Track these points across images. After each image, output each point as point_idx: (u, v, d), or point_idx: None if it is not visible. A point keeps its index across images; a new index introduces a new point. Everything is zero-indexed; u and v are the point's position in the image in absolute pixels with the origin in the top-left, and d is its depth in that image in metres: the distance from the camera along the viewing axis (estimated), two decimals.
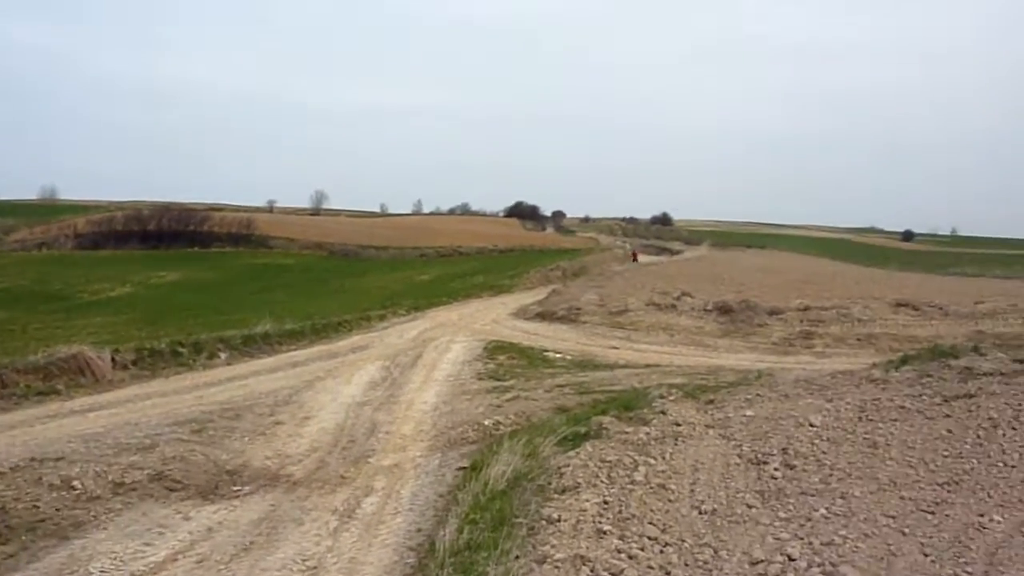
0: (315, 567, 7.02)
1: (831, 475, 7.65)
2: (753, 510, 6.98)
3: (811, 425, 9.18)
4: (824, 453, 8.26)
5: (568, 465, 8.22)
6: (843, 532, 6.25)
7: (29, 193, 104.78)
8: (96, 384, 14.82)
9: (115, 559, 7.14)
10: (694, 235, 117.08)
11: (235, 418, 12.43)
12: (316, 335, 22.08)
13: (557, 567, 5.60)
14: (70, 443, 10.37)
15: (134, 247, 58.32)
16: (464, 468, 9.71)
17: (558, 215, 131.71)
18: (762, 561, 5.90)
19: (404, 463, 10.49)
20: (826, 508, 6.83)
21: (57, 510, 8.22)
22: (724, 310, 26.25)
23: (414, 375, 16.73)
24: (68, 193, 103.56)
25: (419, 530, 7.89)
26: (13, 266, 43.72)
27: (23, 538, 7.46)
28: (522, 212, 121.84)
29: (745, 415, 10.18)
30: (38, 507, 8.20)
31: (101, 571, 6.85)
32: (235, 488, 9.58)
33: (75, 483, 8.90)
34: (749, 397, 11.30)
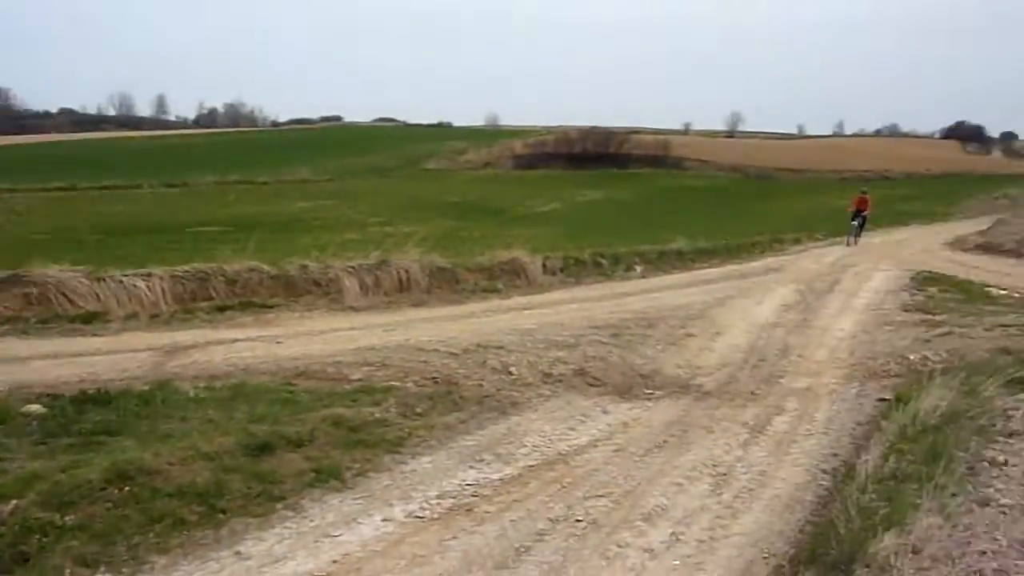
0: (724, 473, 7.09)
1: None
2: None
3: None
4: None
5: (1017, 408, 7.22)
6: None
7: (477, 120, 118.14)
8: (529, 286, 16.41)
9: (544, 437, 7.91)
10: None
11: (648, 327, 12.89)
12: (728, 255, 22.00)
13: (1004, 512, 4.98)
14: (508, 335, 11.63)
15: (562, 167, 62.82)
16: (886, 400, 9.03)
17: (1008, 137, 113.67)
18: None
19: (817, 388, 10.06)
20: None
21: (498, 390, 9.31)
22: None
23: (830, 301, 15.85)
24: (508, 119, 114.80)
25: (834, 454, 7.54)
26: (464, 183, 49.93)
27: (472, 408, 8.61)
28: (963, 133, 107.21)
29: None
30: (483, 385, 9.37)
31: (534, 445, 7.64)
32: (648, 391, 10.01)
33: (512, 369, 10.00)
34: None
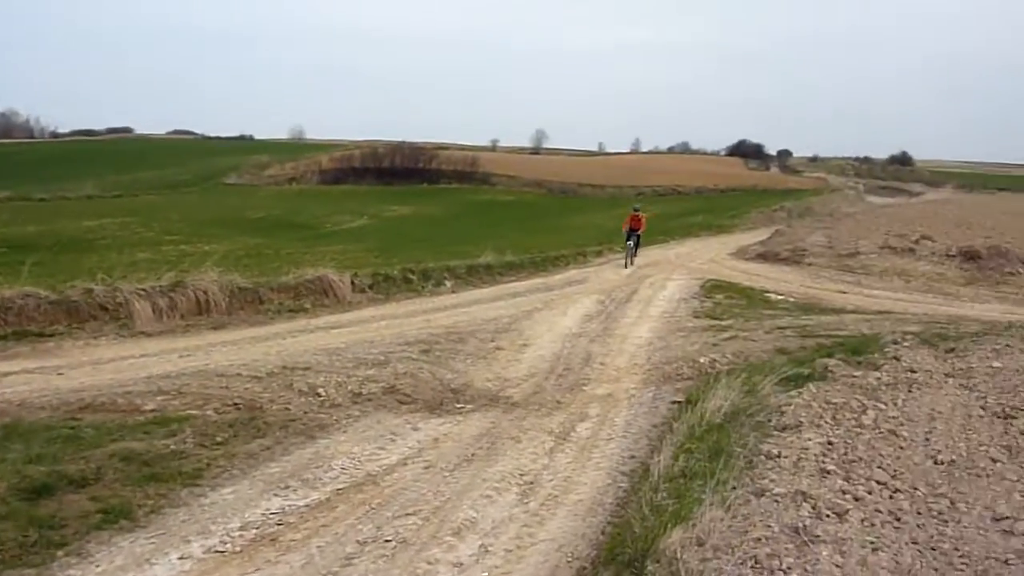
0: (531, 482, 7.29)
1: None
2: (998, 465, 6.43)
3: None
4: None
5: (790, 404, 7.93)
6: None
7: (280, 133, 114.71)
8: (337, 304, 16.10)
9: (353, 459, 7.80)
10: (937, 176, 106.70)
11: (459, 341, 13.05)
12: (534, 268, 22.63)
13: (777, 501, 5.45)
14: (316, 355, 11.38)
15: (370, 182, 62.37)
16: (678, 402, 9.64)
17: (784, 154, 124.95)
18: (1007, 518, 5.43)
19: (618, 393, 10.58)
20: None
21: (305, 413, 9.06)
22: (970, 256, 23.95)
23: (629, 310, 16.72)
24: (313, 133, 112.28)
25: (632, 456, 7.96)
26: (268, 198, 48.29)
27: (277, 434, 8.32)
28: (745, 151, 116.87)
29: (992, 366, 9.33)
30: (289, 409, 9.10)
31: (342, 468, 7.51)
32: (458, 405, 10.11)
33: (320, 390, 9.77)
34: (997, 348, 10.33)
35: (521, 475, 7.46)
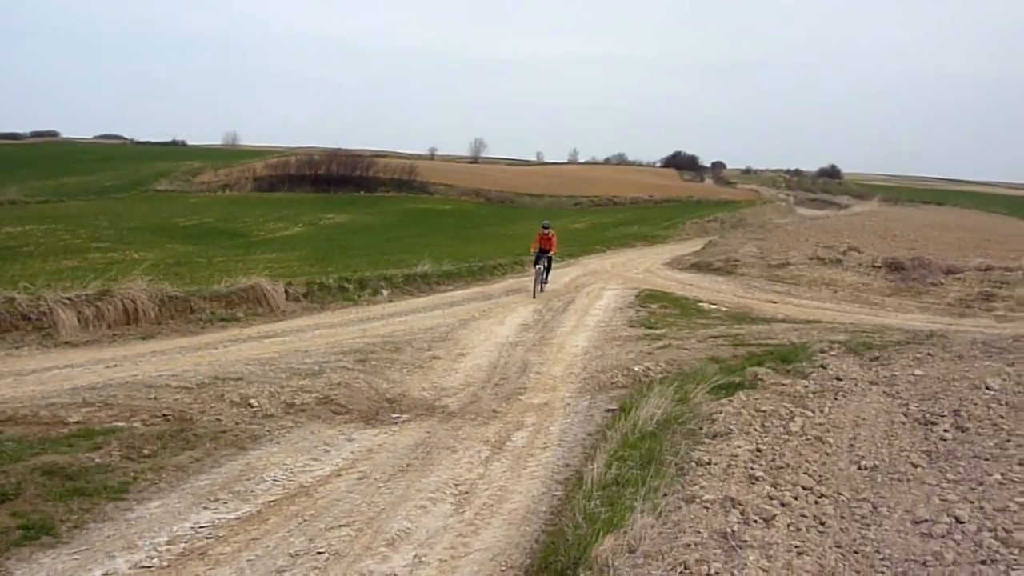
0: (467, 492, 7.29)
1: (1008, 440, 7.15)
2: (919, 469, 6.65)
3: (988, 388, 8.59)
4: (1002, 418, 7.73)
5: (720, 412, 8.10)
6: (1021, 499, 5.85)
7: (214, 139, 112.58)
8: (271, 313, 15.85)
9: (286, 470, 7.69)
10: (864, 190, 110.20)
11: (395, 351, 12.98)
12: (472, 277, 22.63)
13: (706, 507, 5.56)
14: (248, 365, 11.18)
15: (306, 190, 61.50)
16: (613, 410, 9.74)
17: (718, 166, 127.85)
18: (926, 521, 5.63)
19: (554, 402, 10.65)
20: (1001, 474, 6.41)
21: (236, 424, 8.90)
22: (894, 267, 24.78)
23: (565, 319, 16.85)
24: (248, 139, 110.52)
25: (567, 465, 8.02)
26: (200, 205, 47.22)
27: (207, 446, 8.15)
28: (680, 162, 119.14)
29: (914, 374, 9.65)
30: (220, 420, 8.91)
31: (274, 480, 7.40)
32: (394, 415, 10.06)
33: (252, 401, 9.60)
34: (919, 356, 10.69)
35: (456, 485, 7.45)
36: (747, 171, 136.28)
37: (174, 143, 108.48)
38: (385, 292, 18.99)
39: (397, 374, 11.80)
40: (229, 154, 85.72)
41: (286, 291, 16.72)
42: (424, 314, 16.81)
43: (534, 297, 19.21)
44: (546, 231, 20.57)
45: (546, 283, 20.59)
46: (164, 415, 8.80)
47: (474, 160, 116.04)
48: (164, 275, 16.37)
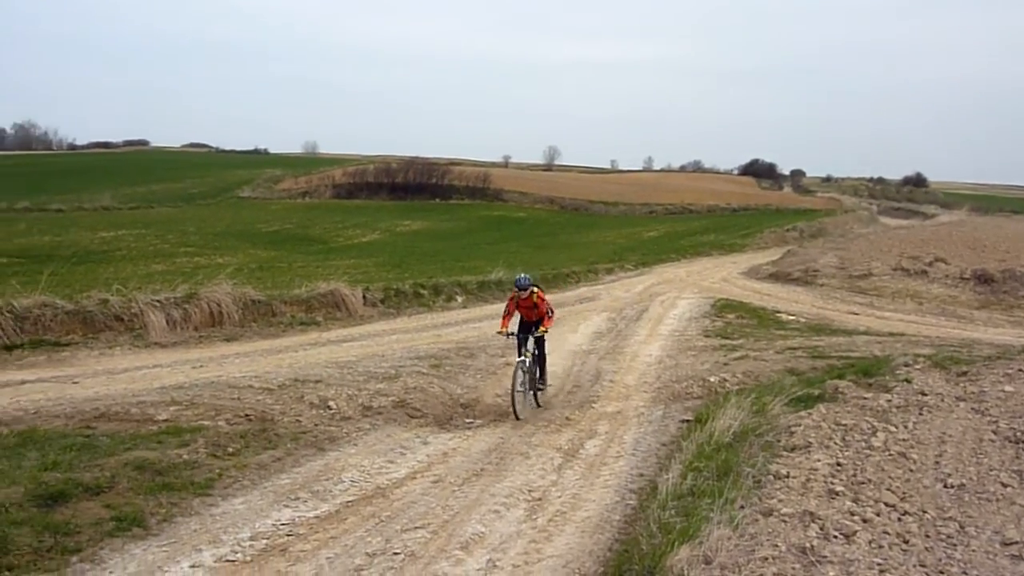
0: (539, 498, 7.31)
1: None
2: (1009, 489, 6.40)
3: None
4: None
5: (799, 425, 7.94)
6: None
7: (294, 147, 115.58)
8: (349, 318, 16.22)
9: (363, 471, 7.85)
10: (951, 198, 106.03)
11: (469, 357, 13.12)
12: (546, 284, 22.59)
13: (784, 521, 5.46)
14: (327, 368, 11.45)
15: (383, 197, 62.63)
16: (687, 421, 9.64)
17: (797, 174, 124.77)
18: (1016, 543, 5.41)
19: (627, 411, 10.60)
20: None
21: (315, 425, 9.13)
22: (984, 279, 23.85)
23: (639, 328, 16.74)
24: (327, 147, 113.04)
25: (641, 475, 7.97)
26: (281, 211, 48.55)
27: (288, 445, 8.38)
28: (758, 170, 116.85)
29: (1004, 391, 9.28)
30: (300, 421, 9.16)
31: (352, 480, 7.56)
32: (468, 420, 10.18)
33: (331, 403, 9.83)
34: (1010, 372, 10.26)
35: (529, 491, 7.48)
36: (827, 179, 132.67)
37: (256, 151, 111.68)
38: (459, 298, 19.21)
39: (471, 380, 11.92)
40: (309, 162, 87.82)
41: (364, 296, 17.08)
42: (498, 320, 16.84)
43: (517, 418, 10.27)
44: (524, 291, 11.21)
45: (542, 388, 11.38)
46: (247, 415, 9.08)
47: (548, 168, 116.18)
48: (247, 279, 16.91)
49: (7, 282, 14.45)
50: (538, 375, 11.20)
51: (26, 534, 5.74)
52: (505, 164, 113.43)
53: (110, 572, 5.55)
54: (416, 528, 6.48)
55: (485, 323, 16.46)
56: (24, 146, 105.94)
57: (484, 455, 8.57)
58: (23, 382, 10.57)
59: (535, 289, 11.23)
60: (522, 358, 10.83)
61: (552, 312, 11.42)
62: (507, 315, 11.36)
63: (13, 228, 32.01)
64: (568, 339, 15.26)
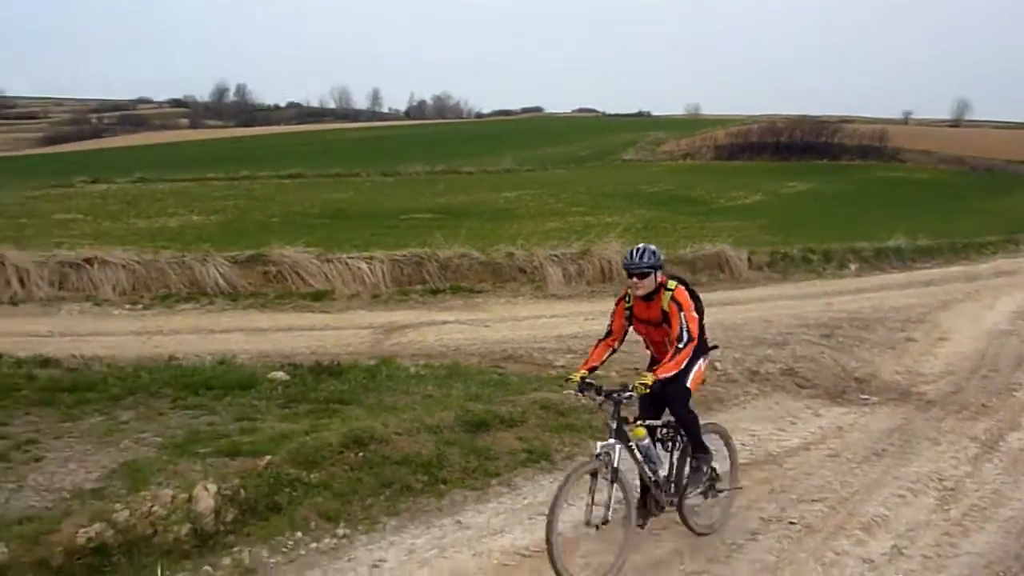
0: (952, 489, 6.65)
1: None
2: None
3: None
4: None
5: None
6: None
7: (676, 109, 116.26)
8: (732, 280, 16.08)
9: (754, 436, 7.78)
10: None
11: (864, 328, 12.29)
12: (954, 254, 20.51)
13: None
14: (712, 330, 11.44)
15: (766, 158, 60.47)
16: None
17: None
18: None
19: None
20: None
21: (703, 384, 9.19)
22: None
23: None
24: (710, 108, 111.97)
25: None
26: (663, 173, 49.29)
27: None
28: None
29: None
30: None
31: (742, 444, 7.48)
32: (863, 396, 9.56)
33: (716, 364, 9.84)
34: None
35: (940, 479, 6.84)
36: None
37: (640, 114, 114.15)
38: (853, 266, 18.07)
39: (866, 353, 11.19)
40: (691, 124, 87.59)
41: (749, 259, 16.78)
42: (897, 292, 15.64)
43: (596, 518, 5.08)
44: (643, 279, 5.38)
45: (714, 491, 5.78)
46: (636, 369, 9.42)
47: (956, 124, 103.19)
48: (634, 239, 17.45)
49: (432, 235, 16.53)
50: (691, 467, 5.61)
51: (456, 454, 6.58)
52: (905, 121, 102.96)
53: (524, 498, 6.16)
54: (812, 500, 6.28)
55: (882, 293, 15.40)
56: (440, 115, 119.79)
57: (885, 435, 8.01)
58: (445, 322, 12.10)
59: (670, 283, 5.47)
60: (605, 448, 5.06)
61: (690, 336, 5.33)
62: (605, 340, 5.88)
63: (435, 188, 36.40)
64: (982, 316, 13.60)
